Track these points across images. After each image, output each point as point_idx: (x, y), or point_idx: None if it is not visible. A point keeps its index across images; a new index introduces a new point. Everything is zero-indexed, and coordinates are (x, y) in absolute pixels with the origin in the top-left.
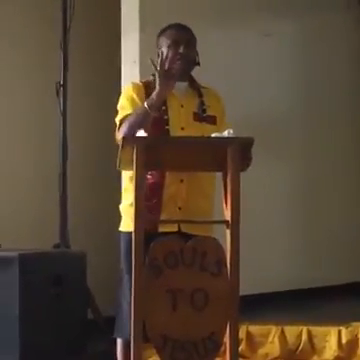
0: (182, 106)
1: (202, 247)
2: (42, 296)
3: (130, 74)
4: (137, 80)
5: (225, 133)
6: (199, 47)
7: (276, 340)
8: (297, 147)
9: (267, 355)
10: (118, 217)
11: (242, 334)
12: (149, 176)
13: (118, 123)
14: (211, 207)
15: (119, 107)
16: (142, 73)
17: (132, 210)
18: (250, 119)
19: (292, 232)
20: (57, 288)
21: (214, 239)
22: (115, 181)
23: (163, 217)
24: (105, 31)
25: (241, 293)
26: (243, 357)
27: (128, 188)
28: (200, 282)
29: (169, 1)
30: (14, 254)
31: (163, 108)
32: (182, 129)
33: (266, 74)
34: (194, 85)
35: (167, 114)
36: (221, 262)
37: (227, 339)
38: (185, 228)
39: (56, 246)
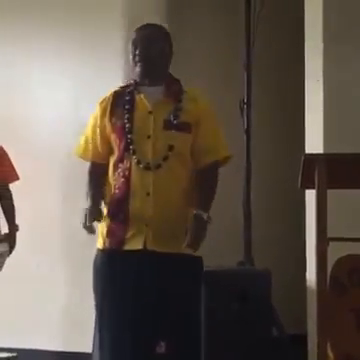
0: (151, 113)
1: None
2: (227, 313)
3: (313, 91)
4: (321, 98)
5: None
6: None
7: None
8: None
9: None
10: (303, 236)
11: None
12: (117, 191)
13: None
14: (183, 219)
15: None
16: (325, 91)
17: (102, 226)
18: None
19: None
20: (241, 305)
21: None
22: (299, 198)
23: (129, 234)
24: (288, 48)
25: None
26: None
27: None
28: None
29: (354, 16)
30: None
31: (126, 116)
32: (148, 138)
33: None
34: (172, 89)
35: (131, 122)
36: None
37: None
38: (152, 246)
39: (240, 263)
